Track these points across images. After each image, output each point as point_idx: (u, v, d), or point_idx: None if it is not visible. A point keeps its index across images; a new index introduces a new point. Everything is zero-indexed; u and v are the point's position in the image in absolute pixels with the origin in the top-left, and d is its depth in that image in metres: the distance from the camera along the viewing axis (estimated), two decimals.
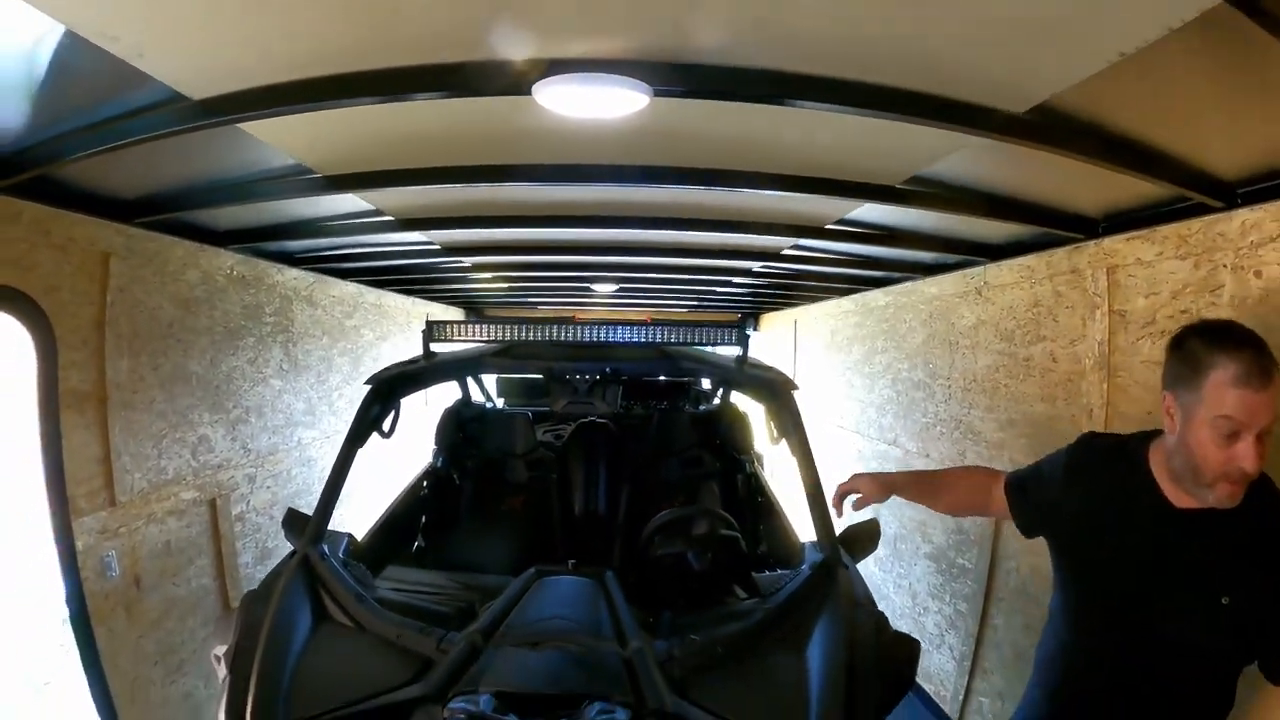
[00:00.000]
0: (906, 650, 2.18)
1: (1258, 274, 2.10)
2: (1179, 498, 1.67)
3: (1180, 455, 1.61)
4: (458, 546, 3.37)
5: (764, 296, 6.02)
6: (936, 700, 3.76)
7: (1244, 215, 2.12)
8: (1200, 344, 1.57)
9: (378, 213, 3.01)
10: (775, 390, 2.90)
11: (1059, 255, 2.87)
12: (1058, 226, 2.75)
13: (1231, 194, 2.19)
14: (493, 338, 2.76)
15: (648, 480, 3.71)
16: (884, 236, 3.27)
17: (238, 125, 1.93)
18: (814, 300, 5.83)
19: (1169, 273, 2.39)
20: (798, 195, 2.46)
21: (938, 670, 3.79)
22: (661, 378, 5.15)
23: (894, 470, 4.34)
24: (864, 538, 2.54)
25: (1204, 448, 1.54)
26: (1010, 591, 3.19)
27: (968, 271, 3.52)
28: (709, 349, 3.13)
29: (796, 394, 2.88)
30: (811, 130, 2.07)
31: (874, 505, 2.19)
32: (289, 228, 3.20)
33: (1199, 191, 2.18)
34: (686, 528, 2.70)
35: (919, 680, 3.84)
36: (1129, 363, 2.55)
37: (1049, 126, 1.90)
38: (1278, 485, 1.67)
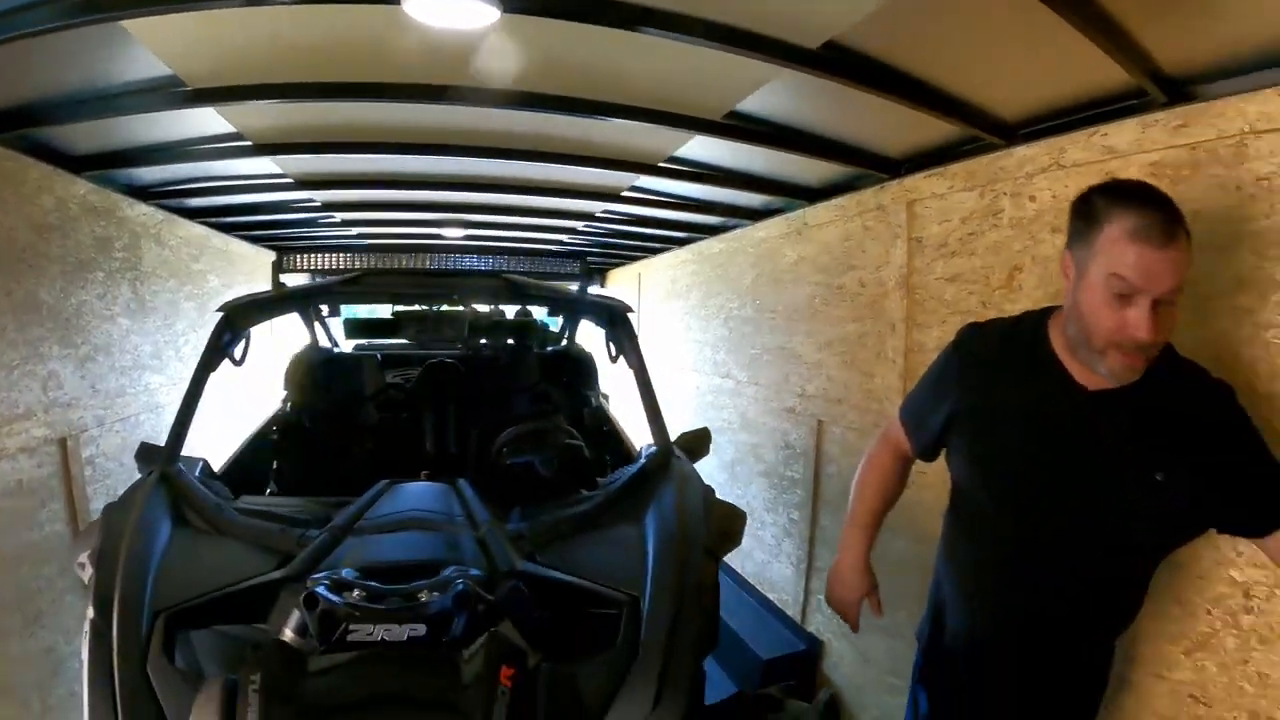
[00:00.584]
0: (733, 516, 2.40)
1: (1031, 199, 2.36)
2: (1087, 378, 1.51)
3: (1073, 319, 1.47)
4: (310, 489, 3.30)
5: (610, 250, 6.08)
6: (780, 606, 3.99)
7: (1022, 151, 2.37)
8: (1102, 198, 1.41)
9: (237, 136, 2.87)
10: (614, 314, 3.07)
11: (867, 194, 3.11)
12: (867, 167, 2.97)
13: (1013, 133, 2.43)
14: (342, 267, 2.75)
15: (497, 417, 3.74)
16: (715, 177, 3.40)
17: (120, 24, 1.82)
18: (656, 254, 5.96)
19: (959, 203, 2.64)
20: (633, 124, 2.54)
21: (779, 578, 4.02)
22: (509, 316, 5.15)
23: (729, 402, 4.56)
24: (697, 442, 2.72)
25: (1095, 310, 1.39)
26: (835, 494, 3.42)
27: (790, 214, 3.73)
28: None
29: (632, 317, 3.08)
30: (644, 60, 2.16)
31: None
32: (146, 153, 3.01)
33: (986, 131, 2.41)
34: (534, 440, 2.80)
35: (764, 591, 4.14)
36: (925, 281, 2.80)
37: (843, 62, 2.07)
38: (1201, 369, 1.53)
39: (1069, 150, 2.21)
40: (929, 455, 1.82)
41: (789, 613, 3.89)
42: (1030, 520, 1.58)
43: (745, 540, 4.22)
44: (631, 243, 5.69)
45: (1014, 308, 2.38)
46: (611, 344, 3.05)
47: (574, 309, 4.02)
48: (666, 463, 2.50)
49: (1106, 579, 1.59)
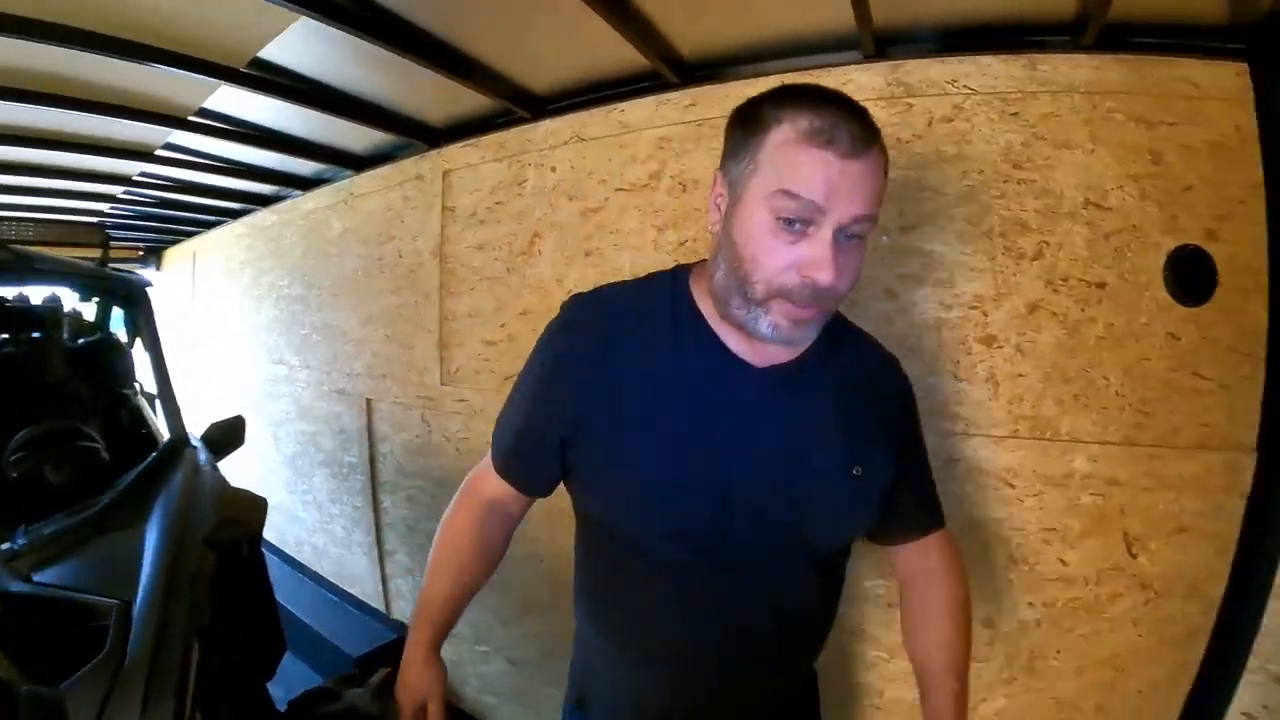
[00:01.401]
0: (245, 504, 2.22)
1: (553, 169, 2.38)
2: (751, 350, 1.10)
3: (725, 260, 1.04)
4: None
5: (159, 224, 5.21)
6: (364, 599, 3.68)
7: (547, 124, 2.39)
8: (769, 101, 1.00)
9: None
10: (131, 291, 2.75)
11: (409, 163, 2.94)
12: (410, 136, 2.80)
13: (542, 107, 2.44)
14: None
15: (13, 423, 3.07)
16: (260, 138, 2.99)
17: None
18: (212, 228, 5.25)
19: (490, 173, 2.58)
20: (153, 68, 2.12)
21: (357, 571, 3.70)
22: (30, 303, 4.23)
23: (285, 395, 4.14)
24: (227, 433, 2.51)
25: (755, 242, 0.98)
26: (391, 473, 3.22)
27: (338, 184, 3.44)
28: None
29: (152, 293, 2.75)
30: None
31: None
32: None
33: (517, 104, 2.38)
34: (43, 445, 2.40)
35: (345, 587, 3.76)
36: (456, 250, 2.71)
37: (364, 16, 1.90)
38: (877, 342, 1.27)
39: (589, 124, 2.28)
40: (548, 488, 1.24)
41: (372, 604, 3.60)
42: (709, 542, 1.11)
43: (318, 537, 3.95)
44: (183, 214, 4.92)
45: (534, 272, 2.39)
46: (127, 325, 2.73)
47: (88, 286, 3.41)
48: (177, 457, 2.26)
49: (808, 594, 1.20)
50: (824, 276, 0.95)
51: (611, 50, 1.96)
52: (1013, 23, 1.71)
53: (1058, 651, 1.71)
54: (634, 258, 2.18)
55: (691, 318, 1.12)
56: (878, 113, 1.70)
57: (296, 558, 4.19)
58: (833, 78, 1.80)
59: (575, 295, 1.19)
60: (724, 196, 1.04)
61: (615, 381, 1.09)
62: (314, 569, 4.08)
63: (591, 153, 2.29)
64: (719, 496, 1.09)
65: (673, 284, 1.15)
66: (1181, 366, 1.60)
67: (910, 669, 1.26)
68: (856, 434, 1.13)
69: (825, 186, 0.92)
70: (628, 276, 2.24)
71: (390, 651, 3.35)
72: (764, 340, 1.04)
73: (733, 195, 1.02)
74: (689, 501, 1.09)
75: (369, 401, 3.24)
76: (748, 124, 1.01)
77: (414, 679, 1.27)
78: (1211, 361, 1.59)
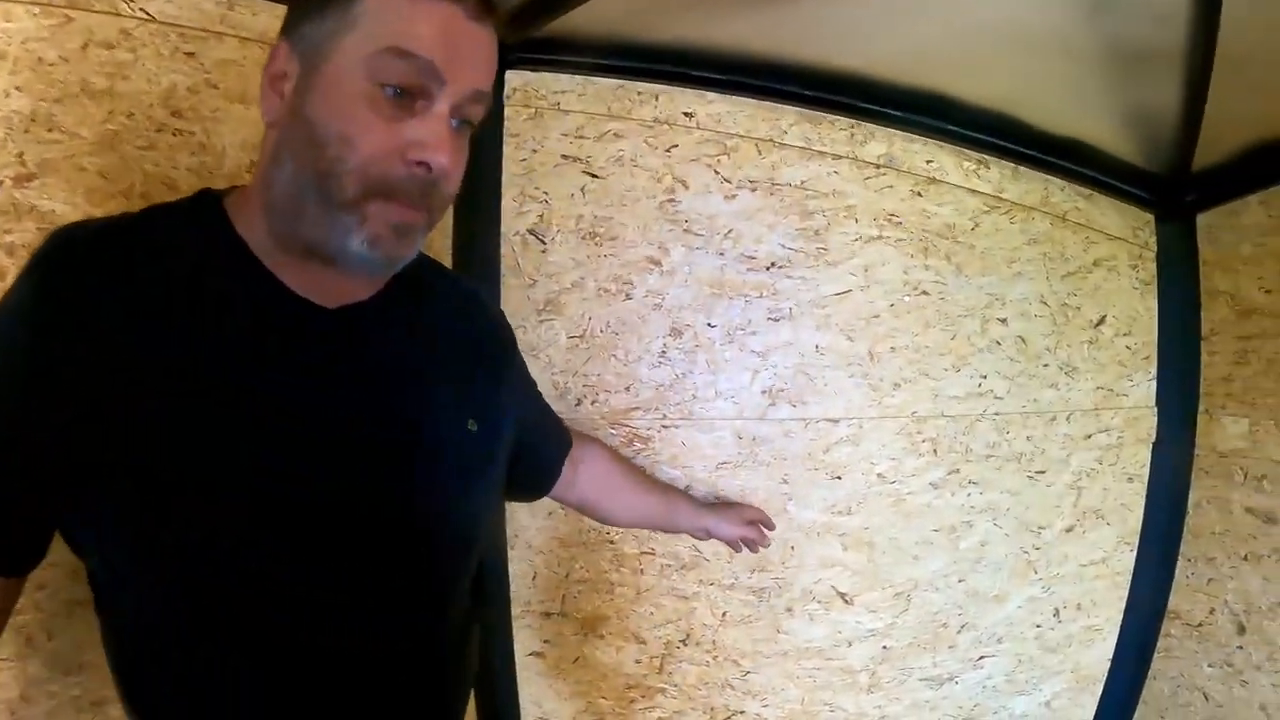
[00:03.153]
0: None
1: None
2: (324, 290, 0.82)
3: (293, 155, 0.75)
4: None
5: None
6: None
7: None
8: None
9: None
10: None
11: None
12: None
13: None
14: None
15: None
16: None
17: None
18: None
19: None
20: None
21: None
22: None
23: None
24: None
25: (346, 116, 0.73)
26: None
27: None
28: None
29: None
30: None
31: None
32: None
33: None
34: None
35: None
36: None
37: None
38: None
39: None
40: (42, 550, 0.81)
41: None
42: (322, 559, 0.80)
43: None
44: None
45: None
46: None
47: None
48: None
49: (453, 604, 0.93)
50: (440, 158, 0.73)
51: None
52: None
53: None
54: None
55: (232, 250, 0.80)
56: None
57: None
58: None
59: (60, 231, 0.77)
60: (294, 71, 0.76)
61: (146, 346, 0.74)
62: None
63: None
64: (317, 490, 0.79)
65: (195, 210, 0.83)
66: None
67: None
68: (463, 380, 0.94)
69: (446, 45, 0.72)
70: None
71: None
72: (353, 264, 0.77)
73: (308, 65, 0.74)
74: (284, 508, 0.78)
75: None
76: None
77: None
78: None
